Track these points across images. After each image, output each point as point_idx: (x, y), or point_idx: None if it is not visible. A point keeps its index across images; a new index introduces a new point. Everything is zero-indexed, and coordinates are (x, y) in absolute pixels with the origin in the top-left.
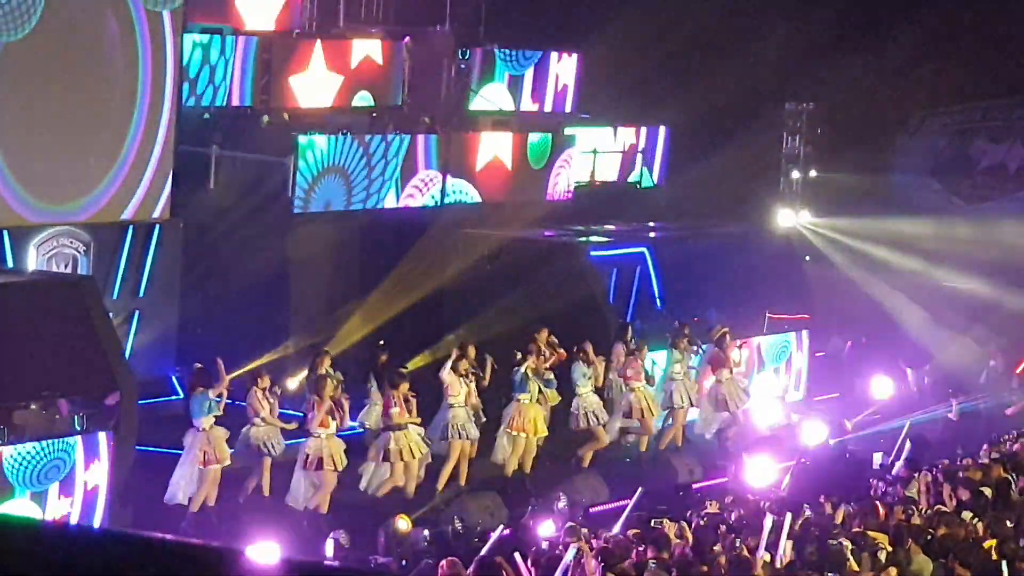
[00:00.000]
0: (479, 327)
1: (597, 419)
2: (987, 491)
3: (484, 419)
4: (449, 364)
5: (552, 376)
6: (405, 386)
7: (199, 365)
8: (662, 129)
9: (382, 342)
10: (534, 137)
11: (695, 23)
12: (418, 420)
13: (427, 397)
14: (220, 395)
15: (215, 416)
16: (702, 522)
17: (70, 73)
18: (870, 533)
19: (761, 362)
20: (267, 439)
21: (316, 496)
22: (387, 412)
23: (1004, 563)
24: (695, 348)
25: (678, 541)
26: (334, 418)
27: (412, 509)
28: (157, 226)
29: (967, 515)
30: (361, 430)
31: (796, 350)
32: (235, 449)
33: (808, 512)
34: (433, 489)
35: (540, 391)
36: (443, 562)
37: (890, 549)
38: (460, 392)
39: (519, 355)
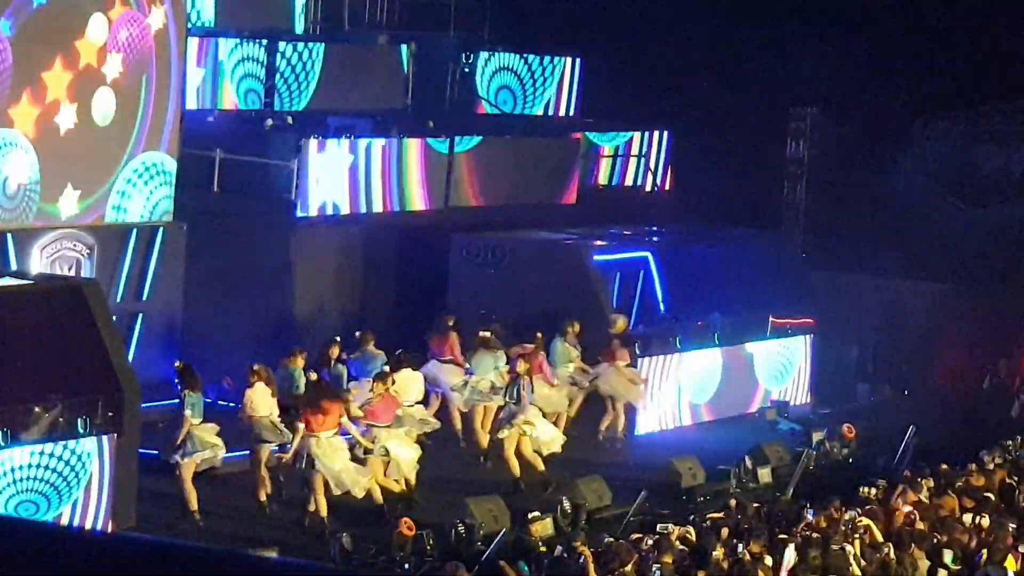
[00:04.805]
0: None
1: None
2: (991, 496)
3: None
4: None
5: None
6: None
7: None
8: (666, 133)
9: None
10: (537, 141)
11: (698, 27)
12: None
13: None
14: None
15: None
16: (705, 525)
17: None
18: (874, 538)
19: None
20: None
21: None
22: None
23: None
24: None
25: (681, 546)
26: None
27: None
28: (161, 229)
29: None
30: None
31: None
32: None
33: (811, 516)
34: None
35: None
36: (446, 565)
37: (893, 555)
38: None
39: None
